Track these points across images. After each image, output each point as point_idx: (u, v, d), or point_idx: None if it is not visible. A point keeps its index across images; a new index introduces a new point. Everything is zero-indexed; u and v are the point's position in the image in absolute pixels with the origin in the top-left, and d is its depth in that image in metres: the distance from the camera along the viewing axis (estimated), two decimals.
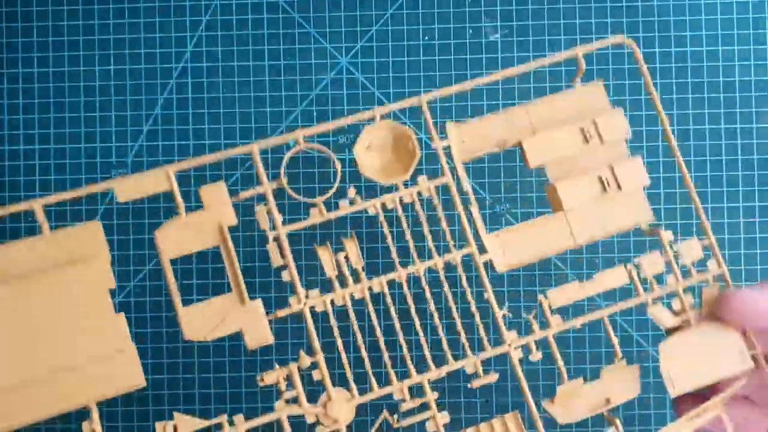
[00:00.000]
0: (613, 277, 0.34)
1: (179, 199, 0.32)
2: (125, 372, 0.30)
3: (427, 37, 0.44)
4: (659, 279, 0.34)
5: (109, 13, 0.45)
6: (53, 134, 0.43)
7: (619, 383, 0.34)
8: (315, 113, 0.41)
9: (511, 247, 0.34)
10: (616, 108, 0.36)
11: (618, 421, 0.33)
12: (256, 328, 0.31)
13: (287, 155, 0.33)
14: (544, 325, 0.33)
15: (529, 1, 0.35)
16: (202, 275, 0.43)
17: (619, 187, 0.35)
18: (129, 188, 0.31)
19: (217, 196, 0.32)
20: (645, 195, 0.35)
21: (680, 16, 0.45)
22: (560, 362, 0.33)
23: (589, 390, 0.34)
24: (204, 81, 0.45)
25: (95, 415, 0.29)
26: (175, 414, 0.30)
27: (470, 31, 0.44)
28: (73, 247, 0.30)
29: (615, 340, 0.34)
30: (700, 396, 0.33)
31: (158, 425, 0.30)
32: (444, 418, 0.32)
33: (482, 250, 0.34)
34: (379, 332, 0.32)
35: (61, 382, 0.29)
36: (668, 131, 0.35)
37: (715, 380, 0.33)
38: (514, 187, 0.44)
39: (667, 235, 0.35)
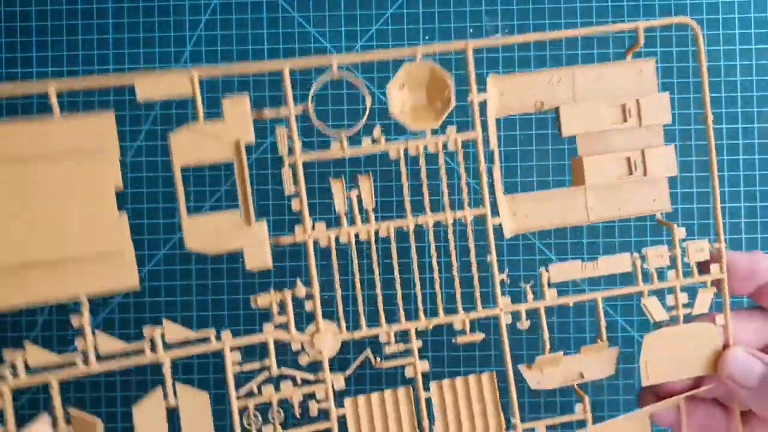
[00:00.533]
0: (616, 263, 0.34)
1: (200, 105, 0.30)
2: (122, 272, 0.30)
3: (427, 37, 0.42)
4: (660, 273, 0.34)
5: (108, 13, 0.44)
6: None
7: (596, 362, 0.35)
8: (315, 113, 0.39)
9: (523, 212, 0.34)
10: (663, 92, 0.34)
11: (587, 399, 0.34)
12: (258, 250, 0.31)
13: (318, 81, 0.32)
14: (539, 298, 0.34)
15: (530, 0, 0.33)
16: (202, 275, 0.43)
17: (645, 172, 0.34)
18: (149, 86, 0.30)
19: (239, 109, 0.31)
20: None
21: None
22: (546, 334, 0.34)
23: (566, 363, 0.34)
24: (203, 81, 0.42)
25: (85, 310, 0.29)
26: (164, 321, 0.30)
27: (471, 30, 0.43)
28: (84, 136, 0.29)
29: (603, 324, 0.34)
30: (664, 396, 0.34)
31: (146, 329, 0.30)
32: (423, 365, 0.33)
33: (494, 213, 0.33)
34: (377, 275, 0.32)
35: (55, 272, 0.29)
36: (709, 126, 0.34)
37: (687, 377, 0.34)
38: (515, 187, 0.44)
39: (679, 231, 0.34)
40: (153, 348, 0.30)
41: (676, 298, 0.34)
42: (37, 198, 0.28)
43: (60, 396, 0.29)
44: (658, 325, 0.35)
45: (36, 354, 0.28)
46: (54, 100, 0.29)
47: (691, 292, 0.35)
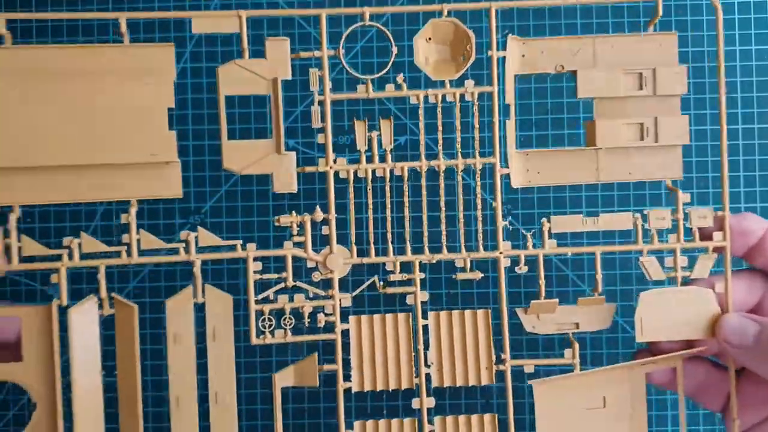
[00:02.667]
0: (617, 221, 0.36)
1: (245, 43, 0.35)
2: (168, 182, 0.35)
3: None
4: (660, 238, 0.36)
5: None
6: None
7: (592, 314, 0.37)
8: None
9: (535, 168, 0.37)
10: (681, 65, 0.36)
11: (576, 345, 0.36)
12: (285, 175, 0.35)
13: (349, 29, 0.35)
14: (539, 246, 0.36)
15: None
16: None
17: (656, 139, 0.36)
18: (204, 23, 0.35)
19: (279, 50, 0.35)
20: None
21: (682, 16, 0.44)
22: (542, 281, 0.36)
23: (562, 312, 0.37)
24: (203, 81, 0.46)
25: (133, 209, 0.34)
26: (199, 228, 0.35)
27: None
28: (146, 62, 0.34)
29: (600, 277, 0.36)
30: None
31: (182, 234, 0.35)
32: (423, 296, 0.36)
33: (504, 165, 0.36)
34: (388, 210, 0.36)
35: (112, 174, 0.34)
36: (722, 94, 0.35)
37: (681, 339, 0.36)
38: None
39: (683, 196, 0.36)
40: (187, 250, 0.35)
41: (676, 260, 0.36)
42: (101, 110, 0.33)
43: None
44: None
45: (89, 243, 0.34)
46: (124, 29, 0.34)
47: (690, 258, 0.36)
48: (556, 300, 0.36)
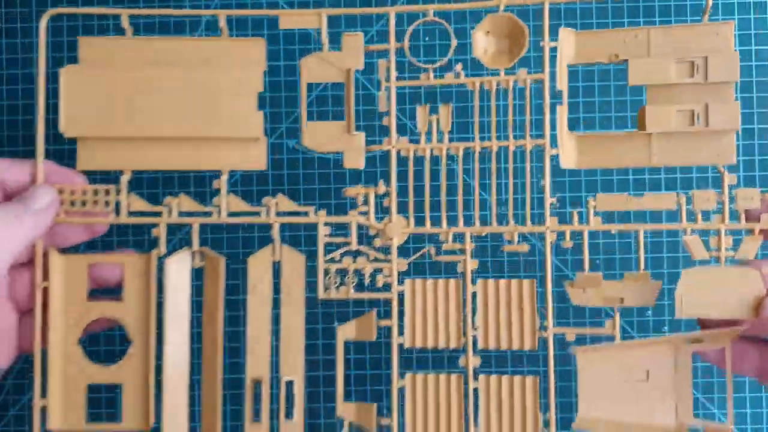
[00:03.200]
0: (662, 200, 0.38)
1: (325, 37, 0.40)
2: (255, 156, 0.40)
3: (427, 38, 0.45)
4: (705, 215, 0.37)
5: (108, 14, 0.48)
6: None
7: (637, 291, 0.38)
8: (315, 113, 0.43)
9: (586, 150, 0.39)
10: (734, 52, 0.37)
11: (618, 316, 0.38)
12: (355, 153, 0.40)
13: (415, 23, 0.40)
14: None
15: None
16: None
17: (707, 124, 0.37)
18: (289, 20, 0.40)
19: (354, 43, 0.40)
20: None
21: (682, 16, 0.45)
22: (587, 255, 0.38)
23: (608, 287, 0.39)
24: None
25: (224, 176, 0.40)
26: (279, 195, 0.40)
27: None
28: (238, 52, 0.40)
29: (642, 255, 0.38)
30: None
31: (264, 199, 0.40)
32: (473, 264, 0.39)
33: (553, 146, 0.39)
34: (443, 187, 0.40)
35: (202, 148, 0.40)
36: None
37: (720, 317, 0.37)
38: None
39: (729, 177, 0.37)
40: (268, 213, 0.40)
41: (720, 240, 0.37)
42: (194, 92, 0.40)
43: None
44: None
45: (186, 202, 0.40)
46: (224, 24, 0.40)
47: (736, 240, 0.37)
48: (601, 274, 0.38)
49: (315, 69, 0.40)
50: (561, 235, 0.39)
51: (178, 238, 0.41)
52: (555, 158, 0.39)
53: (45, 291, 0.39)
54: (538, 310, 0.39)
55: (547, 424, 0.38)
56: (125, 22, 0.39)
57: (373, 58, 0.40)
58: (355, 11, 0.40)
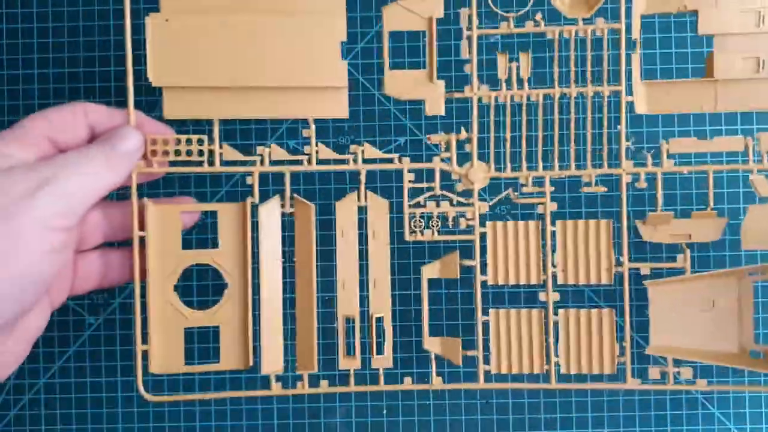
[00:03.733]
0: (730, 143, 0.41)
1: None
2: (338, 105, 0.42)
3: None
4: None
5: (109, 15, 0.49)
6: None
7: (704, 227, 0.41)
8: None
9: (656, 96, 0.41)
10: None
11: (688, 251, 0.41)
12: (435, 100, 0.42)
13: None
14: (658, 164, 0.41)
15: (528, 2, 0.37)
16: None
17: None
18: None
19: None
20: None
21: (682, 17, 0.46)
22: (660, 193, 0.41)
23: (676, 224, 0.41)
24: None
25: (312, 124, 0.41)
26: (365, 143, 0.42)
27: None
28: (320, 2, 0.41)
29: (711, 194, 0.41)
30: None
31: (352, 147, 0.42)
32: (552, 206, 0.42)
33: (629, 93, 0.41)
34: (524, 131, 0.42)
35: (293, 95, 0.41)
36: None
37: None
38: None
39: None
40: (355, 160, 0.42)
41: None
42: (284, 39, 0.40)
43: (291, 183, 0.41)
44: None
45: (277, 151, 0.41)
46: None
47: None
48: (671, 213, 0.41)
49: (397, 17, 0.41)
50: (636, 177, 0.41)
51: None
52: (630, 106, 0.41)
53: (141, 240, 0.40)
54: (614, 247, 0.41)
55: (623, 353, 0.41)
56: None
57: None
58: None
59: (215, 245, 0.41)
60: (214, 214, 0.41)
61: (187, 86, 0.40)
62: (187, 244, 0.41)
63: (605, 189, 0.41)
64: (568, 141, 0.41)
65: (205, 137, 0.40)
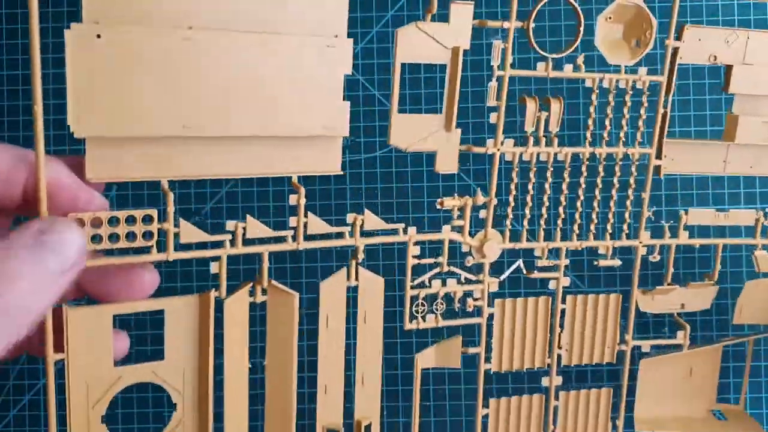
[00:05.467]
0: (744, 216, 0.38)
1: (434, 5, 0.30)
2: (326, 156, 0.30)
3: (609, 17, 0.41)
4: None
5: None
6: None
7: (697, 296, 0.39)
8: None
9: (671, 155, 0.37)
10: None
11: (688, 328, 0.38)
12: (449, 156, 0.33)
13: (542, 1, 0.32)
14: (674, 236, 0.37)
15: (530, 3, 0.33)
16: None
17: None
18: None
19: (463, 15, 0.31)
20: None
21: (683, 17, 0.45)
22: (671, 268, 0.37)
23: (673, 294, 0.39)
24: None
25: (301, 190, 0.30)
26: (366, 211, 0.32)
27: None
28: (318, 19, 0.29)
29: (718, 267, 0.38)
30: None
31: (349, 216, 0.31)
32: (565, 281, 0.36)
33: (657, 156, 0.36)
34: (546, 196, 0.35)
35: (274, 148, 0.29)
36: None
37: None
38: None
39: None
40: (351, 233, 0.32)
41: None
42: (267, 73, 0.28)
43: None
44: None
45: (254, 226, 0.30)
46: None
47: None
48: (676, 286, 0.38)
49: (415, 43, 0.31)
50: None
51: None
52: (656, 168, 0.36)
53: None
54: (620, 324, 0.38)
55: (615, 429, 0.38)
56: None
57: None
58: None
59: (157, 355, 0.29)
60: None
61: (123, 136, 0.26)
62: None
63: (620, 263, 0.37)
64: (590, 208, 0.36)
65: (153, 212, 0.27)
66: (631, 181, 0.36)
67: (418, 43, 0.31)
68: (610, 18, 0.34)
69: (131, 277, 0.28)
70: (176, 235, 0.28)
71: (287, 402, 0.32)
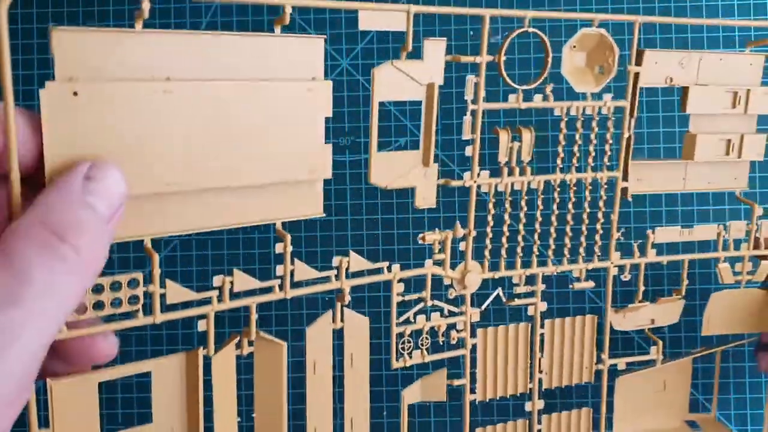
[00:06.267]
0: (706, 231, 0.39)
1: (409, 41, 0.30)
2: (312, 200, 0.30)
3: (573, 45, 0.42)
4: (736, 243, 0.40)
5: (110, 15, 0.44)
6: None
7: (666, 310, 0.40)
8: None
9: (635, 177, 0.38)
10: (765, 86, 0.38)
11: (660, 343, 0.40)
12: (428, 191, 0.33)
13: (511, 35, 0.32)
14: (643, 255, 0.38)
15: (530, 3, 0.35)
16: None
17: (739, 154, 0.39)
18: (370, 18, 0.29)
19: (436, 51, 0.31)
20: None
21: (682, 18, 0.46)
22: (641, 287, 0.38)
23: (643, 310, 0.40)
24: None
25: (287, 239, 0.29)
26: (351, 253, 0.31)
27: (471, 32, 0.45)
28: (297, 58, 0.28)
29: (686, 282, 0.39)
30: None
31: (335, 260, 0.31)
32: (542, 306, 0.36)
33: (624, 178, 0.37)
34: (522, 224, 0.35)
35: (254, 196, 0.28)
36: None
37: (745, 332, 0.41)
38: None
39: (758, 209, 0.40)
40: (338, 276, 0.31)
41: (744, 266, 0.40)
42: (244, 117, 0.27)
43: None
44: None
45: (242, 280, 0.29)
46: (287, 17, 0.27)
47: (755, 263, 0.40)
48: (648, 303, 0.39)
49: (390, 82, 0.31)
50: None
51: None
52: (624, 190, 0.37)
53: None
54: (596, 343, 0.38)
55: None
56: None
57: None
58: (447, 11, 0.31)
59: (144, 419, 0.28)
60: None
61: None
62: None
63: (593, 284, 0.37)
64: (563, 233, 0.36)
65: (139, 276, 0.26)
66: (601, 204, 0.37)
67: (395, 82, 0.31)
68: (574, 47, 0.34)
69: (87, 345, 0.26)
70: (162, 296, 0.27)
71: None
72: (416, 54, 0.31)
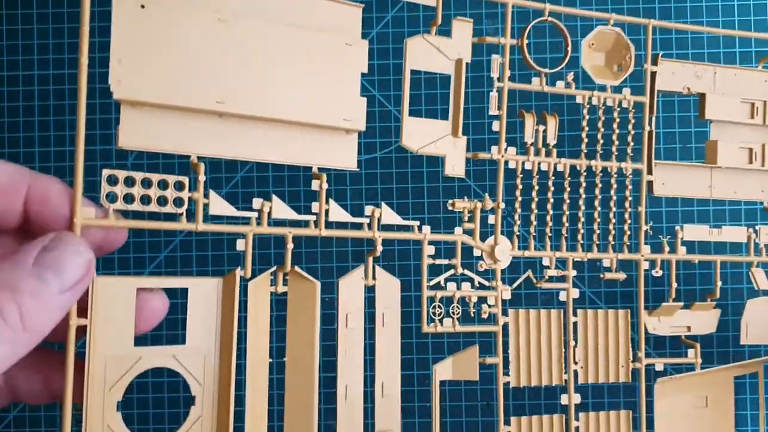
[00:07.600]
0: (736, 233, 0.40)
1: (439, 15, 0.33)
2: (344, 152, 0.32)
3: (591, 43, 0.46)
4: None
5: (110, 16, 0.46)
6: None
7: (702, 319, 0.39)
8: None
9: (661, 179, 0.39)
10: None
11: (698, 346, 0.38)
12: (457, 160, 0.34)
13: (533, 21, 0.35)
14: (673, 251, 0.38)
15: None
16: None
17: (763, 163, 0.40)
18: None
19: (464, 31, 0.34)
20: None
21: (682, 18, 0.49)
22: (674, 283, 0.38)
23: (678, 316, 0.39)
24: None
25: (323, 178, 0.31)
26: (383, 204, 0.32)
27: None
28: (337, 19, 0.31)
29: (719, 284, 0.39)
30: None
31: (368, 209, 0.32)
32: (574, 293, 0.36)
33: (648, 172, 0.38)
34: (549, 204, 0.36)
35: (284, 132, 0.30)
36: None
37: None
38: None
39: None
40: (370, 226, 0.32)
41: None
42: (292, 61, 0.30)
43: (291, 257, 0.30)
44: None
45: (279, 208, 0.30)
46: None
47: None
48: (680, 304, 0.38)
49: (421, 53, 0.34)
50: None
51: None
52: (649, 185, 0.38)
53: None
54: (631, 341, 0.37)
55: None
56: None
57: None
58: None
59: (177, 340, 0.28)
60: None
61: (158, 104, 0.27)
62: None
63: (624, 276, 0.37)
64: (591, 219, 0.37)
65: (185, 180, 0.28)
66: (627, 194, 0.38)
67: (425, 53, 0.34)
68: (592, 44, 0.37)
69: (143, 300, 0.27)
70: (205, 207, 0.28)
71: (308, 403, 0.30)
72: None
